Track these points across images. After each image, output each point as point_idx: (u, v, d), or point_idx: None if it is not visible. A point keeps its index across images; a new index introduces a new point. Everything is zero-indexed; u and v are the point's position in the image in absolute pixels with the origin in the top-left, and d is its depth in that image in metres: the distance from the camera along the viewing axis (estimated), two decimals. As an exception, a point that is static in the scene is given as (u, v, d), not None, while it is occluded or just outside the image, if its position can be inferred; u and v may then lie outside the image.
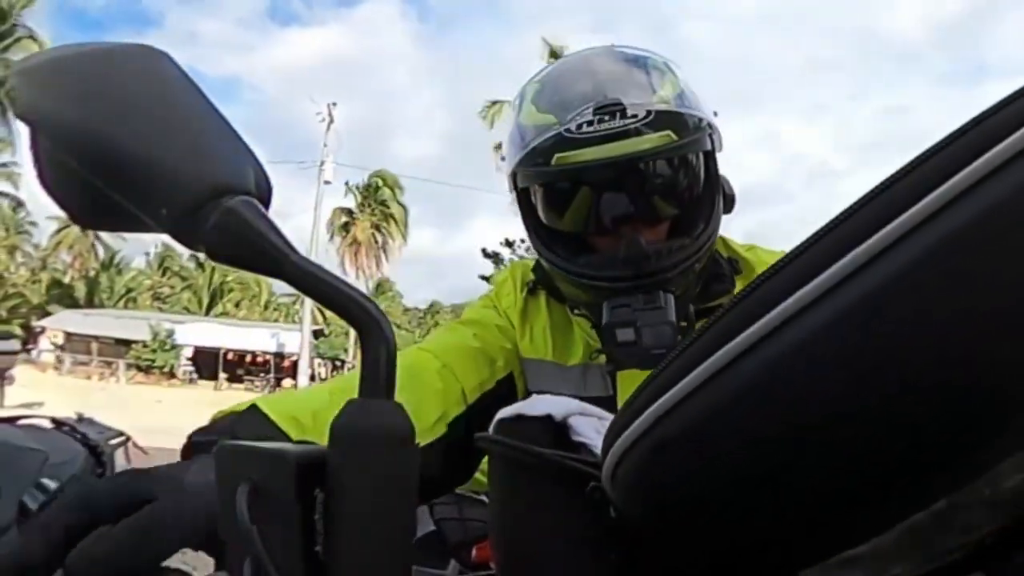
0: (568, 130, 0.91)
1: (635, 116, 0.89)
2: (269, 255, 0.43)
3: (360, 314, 0.42)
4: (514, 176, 1.01)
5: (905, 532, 0.31)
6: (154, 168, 0.44)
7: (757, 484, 0.31)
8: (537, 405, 0.62)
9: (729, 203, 1.02)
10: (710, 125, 0.97)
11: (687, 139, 0.92)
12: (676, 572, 0.40)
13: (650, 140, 0.90)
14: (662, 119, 0.91)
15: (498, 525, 0.53)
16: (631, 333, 0.88)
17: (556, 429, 0.60)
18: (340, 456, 0.39)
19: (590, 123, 0.90)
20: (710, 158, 0.98)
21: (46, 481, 0.58)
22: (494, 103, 29.39)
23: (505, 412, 0.66)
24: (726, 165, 1.02)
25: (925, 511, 0.30)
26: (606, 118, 0.90)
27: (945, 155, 0.26)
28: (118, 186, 0.45)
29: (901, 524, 0.30)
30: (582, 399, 0.52)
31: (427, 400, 0.90)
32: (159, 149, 0.44)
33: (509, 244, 24.77)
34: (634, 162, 0.91)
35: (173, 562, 0.50)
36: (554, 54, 28.72)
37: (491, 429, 0.54)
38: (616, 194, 0.92)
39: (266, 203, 0.46)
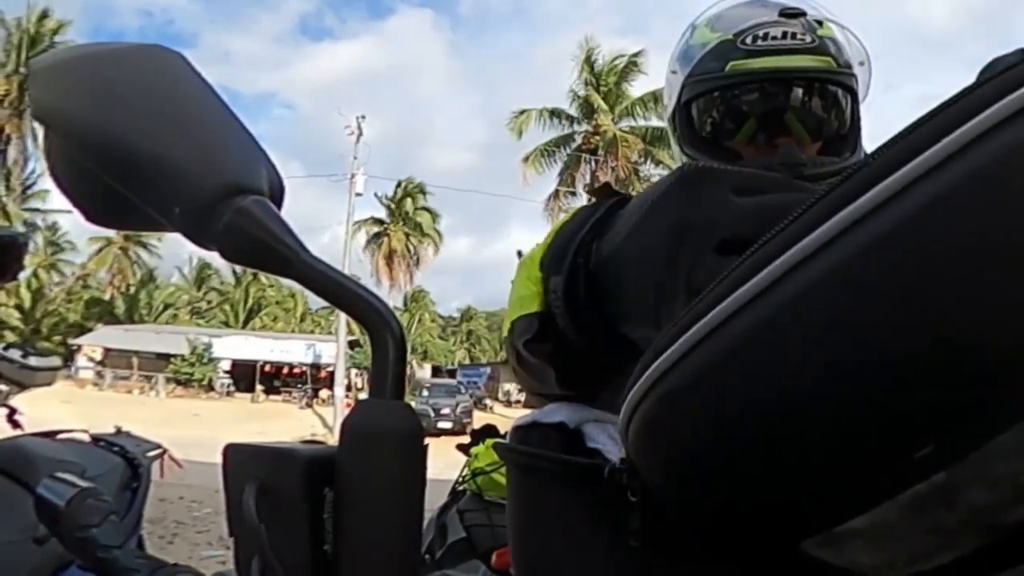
0: (743, 41, 1.00)
1: (803, 40, 0.98)
2: (280, 255, 0.43)
3: (370, 313, 0.41)
4: (680, 92, 1.07)
5: (908, 506, 0.30)
6: (167, 167, 0.44)
7: (755, 440, 0.31)
8: (552, 413, 0.62)
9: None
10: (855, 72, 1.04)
11: (845, 70, 1.01)
12: (685, 565, 0.39)
13: (816, 60, 0.98)
14: (826, 46, 1.00)
15: (514, 530, 0.53)
16: None
17: (570, 436, 0.59)
18: (349, 456, 0.38)
19: (764, 36, 0.99)
20: (856, 102, 1.05)
21: (64, 475, 0.57)
22: (521, 112, 29.49)
23: (521, 420, 0.66)
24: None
25: (925, 482, 0.29)
26: (778, 36, 0.98)
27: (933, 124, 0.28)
28: (131, 185, 0.45)
29: (902, 495, 0.30)
30: None
31: None
32: (172, 149, 0.44)
33: (542, 249, 24.87)
34: (799, 77, 0.99)
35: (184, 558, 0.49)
36: (587, 58, 28.85)
37: (508, 436, 0.54)
38: (780, 105, 0.99)
39: (278, 203, 0.46)
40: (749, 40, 0.99)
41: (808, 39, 0.98)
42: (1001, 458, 0.28)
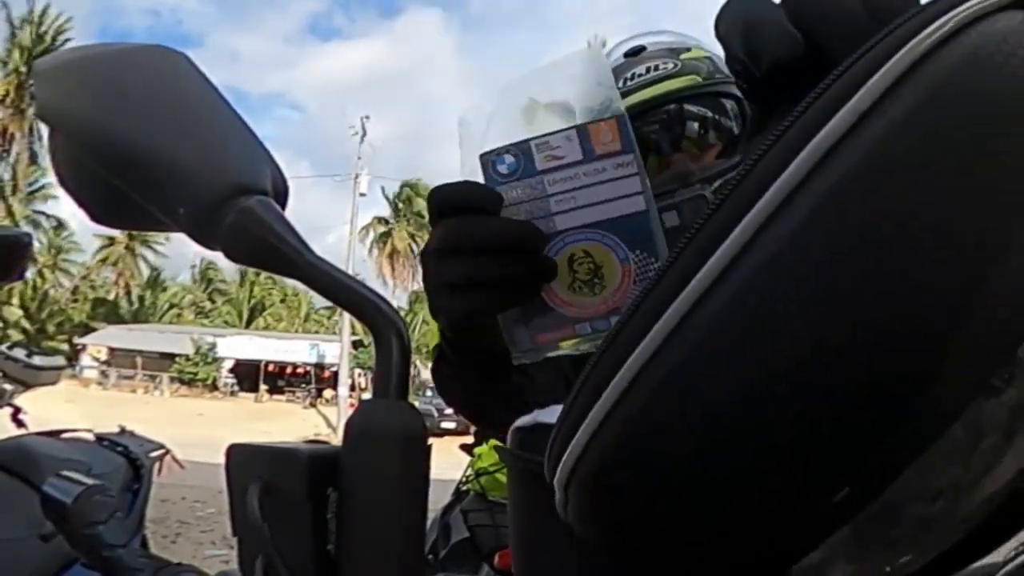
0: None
1: (665, 68, 1.05)
2: (285, 255, 0.43)
3: (374, 313, 0.41)
4: None
5: (852, 535, 0.30)
6: (171, 168, 0.44)
7: (688, 499, 0.30)
8: (555, 413, 0.62)
9: None
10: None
11: (715, 81, 1.06)
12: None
13: (680, 82, 1.04)
14: (691, 67, 1.06)
15: (515, 533, 0.53)
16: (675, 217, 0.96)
17: None
18: (353, 455, 0.38)
19: (631, 78, 1.05)
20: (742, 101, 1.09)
21: (70, 473, 0.58)
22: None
23: (523, 420, 0.66)
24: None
25: (864, 511, 0.29)
26: (641, 72, 1.05)
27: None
28: (136, 185, 0.45)
29: (847, 527, 0.29)
30: None
31: None
32: (176, 149, 0.44)
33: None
34: (666, 102, 1.04)
35: (188, 558, 0.49)
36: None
37: (508, 437, 0.54)
38: (657, 131, 1.05)
39: (283, 203, 0.46)
40: (620, 85, 1.06)
41: (670, 66, 1.06)
42: (933, 474, 0.28)
